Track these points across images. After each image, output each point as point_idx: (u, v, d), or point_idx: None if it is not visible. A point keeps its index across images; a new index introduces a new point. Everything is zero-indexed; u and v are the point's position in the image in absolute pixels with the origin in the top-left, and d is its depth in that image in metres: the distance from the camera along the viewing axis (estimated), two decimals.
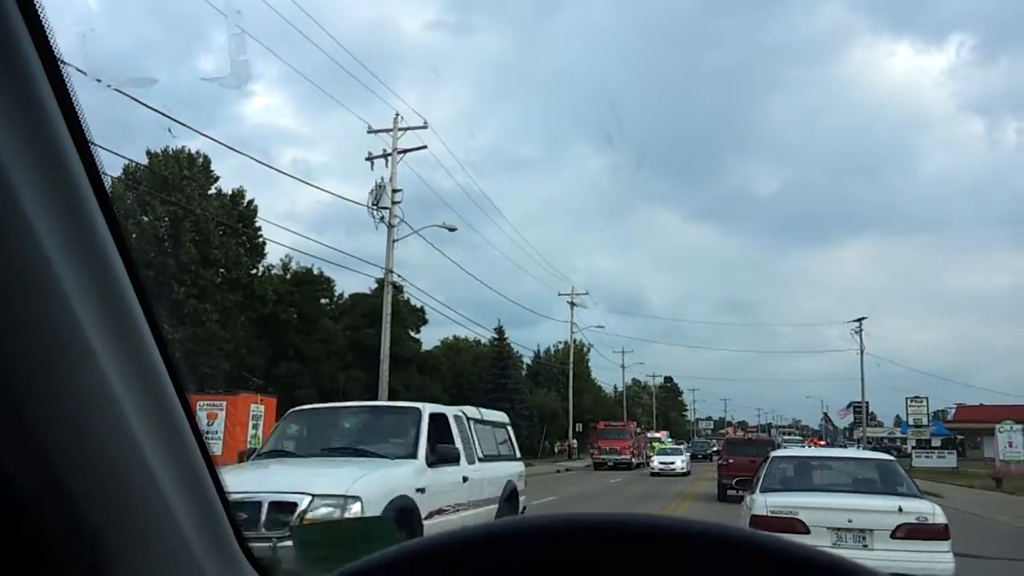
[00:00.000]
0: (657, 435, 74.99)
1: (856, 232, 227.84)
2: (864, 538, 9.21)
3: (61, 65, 0.96)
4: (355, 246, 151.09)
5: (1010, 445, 46.05)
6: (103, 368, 1.04)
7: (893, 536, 9.07)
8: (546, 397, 77.41)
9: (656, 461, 46.61)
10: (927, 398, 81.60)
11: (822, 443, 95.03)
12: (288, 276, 52.50)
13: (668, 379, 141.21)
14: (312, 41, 62.92)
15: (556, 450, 72.63)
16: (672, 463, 45.93)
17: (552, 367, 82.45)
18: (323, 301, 54.63)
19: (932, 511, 9.24)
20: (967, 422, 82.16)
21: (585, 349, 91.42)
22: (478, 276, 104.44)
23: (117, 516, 1.10)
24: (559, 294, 68.80)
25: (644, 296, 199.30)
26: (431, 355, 60.92)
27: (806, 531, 9.09)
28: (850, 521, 9.27)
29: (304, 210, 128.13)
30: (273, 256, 52.22)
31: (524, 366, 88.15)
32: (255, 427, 27.24)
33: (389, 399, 57.53)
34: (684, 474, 44.78)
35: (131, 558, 1.12)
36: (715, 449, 73.66)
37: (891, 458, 12.84)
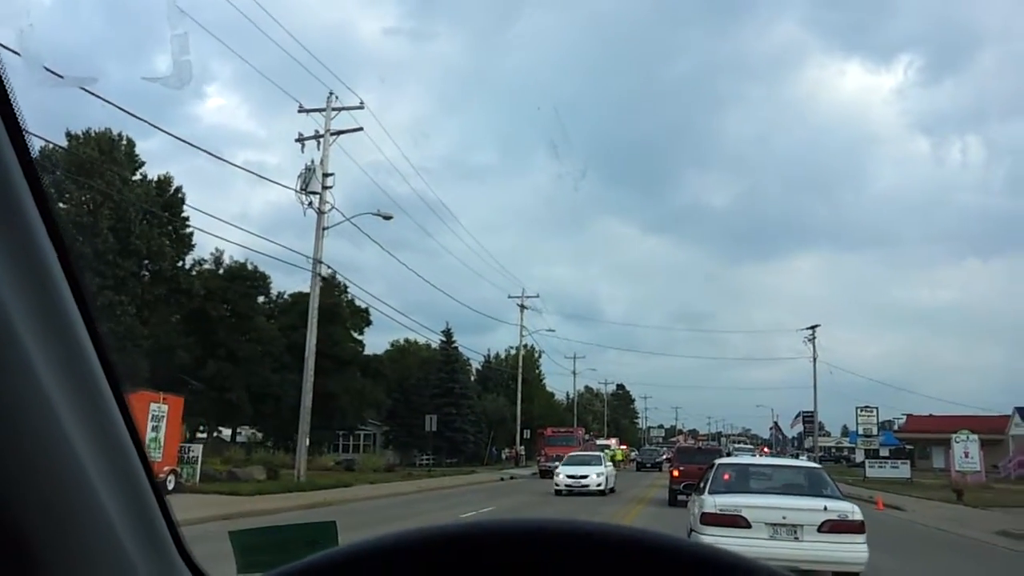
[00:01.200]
0: (607, 442, 72.23)
1: (807, 246, 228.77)
2: (795, 532, 10.58)
3: None
4: (306, 247, 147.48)
5: (966, 455, 44.21)
6: (35, 366, 1.01)
7: (819, 530, 10.46)
8: (495, 402, 74.62)
9: (562, 474, 32.94)
10: (877, 408, 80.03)
11: (770, 452, 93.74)
12: (220, 271, 49.05)
13: (620, 387, 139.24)
14: (270, 39, 59.67)
15: (504, 457, 69.78)
16: (584, 477, 32.51)
17: (503, 372, 79.69)
18: (259, 299, 51.20)
19: (851, 510, 10.71)
20: (917, 432, 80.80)
21: (536, 355, 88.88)
22: (431, 281, 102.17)
23: (46, 516, 1.07)
24: (509, 297, 66.10)
25: (599, 305, 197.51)
26: (375, 358, 57.70)
27: (748, 525, 10.58)
28: (784, 518, 10.63)
29: (257, 212, 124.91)
30: (204, 249, 48.86)
31: (474, 371, 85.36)
32: (155, 429, 23.98)
33: (327, 403, 54.34)
34: (602, 493, 32.26)
35: (60, 560, 1.09)
36: (666, 457, 71.37)
37: (819, 466, 14.45)
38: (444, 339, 66.22)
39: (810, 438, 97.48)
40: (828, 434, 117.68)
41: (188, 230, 41.85)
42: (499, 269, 76.03)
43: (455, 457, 67.70)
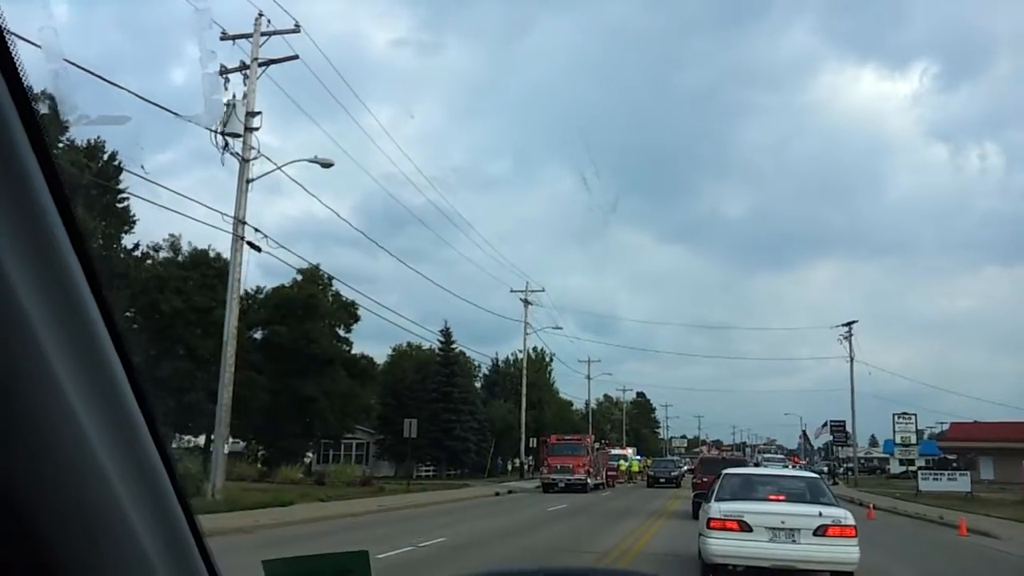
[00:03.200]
0: (621, 452, 64.84)
1: (824, 254, 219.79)
2: (793, 535, 11.18)
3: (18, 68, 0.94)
4: (325, 261, 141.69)
5: None
6: (59, 377, 0.98)
7: (815, 534, 11.11)
8: (502, 409, 67.46)
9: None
10: (915, 414, 72.05)
11: (802, 462, 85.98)
12: (179, 258, 42.47)
13: (640, 395, 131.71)
14: (289, 45, 53.22)
15: (508, 468, 62.58)
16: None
17: (510, 377, 72.56)
18: (220, 288, 44.38)
19: (844, 516, 11.45)
20: (961, 440, 72.55)
21: (548, 359, 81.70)
22: (434, 280, 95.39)
23: (71, 525, 1.02)
24: (512, 291, 58.86)
25: (618, 316, 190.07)
26: (363, 359, 50.78)
27: (749, 529, 11.29)
28: (783, 522, 11.27)
29: (272, 223, 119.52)
30: (157, 234, 42.26)
31: (481, 376, 78.29)
32: None
33: (303, 408, 47.37)
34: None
35: (84, 569, 1.04)
36: (687, 468, 63.87)
37: (817, 476, 15.48)
38: (442, 340, 59.25)
39: (839, 448, 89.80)
40: (851, 444, 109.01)
41: (124, 202, 35.28)
42: (506, 266, 68.60)
43: (456, 468, 60.64)
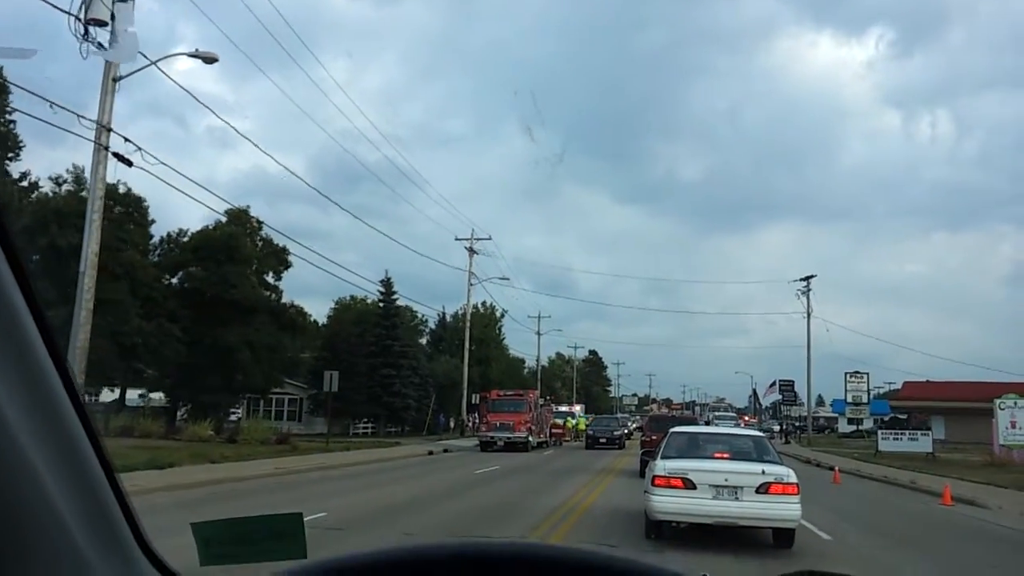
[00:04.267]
0: (568, 409, 61.36)
1: (777, 218, 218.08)
2: (736, 493, 11.00)
3: None
4: (278, 218, 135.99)
5: (1012, 426, 33.73)
6: None
7: (757, 491, 10.96)
8: (447, 364, 63.64)
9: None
10: (868, 373, 69.85)
11: (753, 420, 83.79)
12: (83, 192, 37.55)
13: (592, 353, 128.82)
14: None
15: (451, 425, 58.84)
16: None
17: (457, 331, 68.58)
18: (131, 227, 39.64)
19: (787, 474, 11.28)
20: (915, 400, 70.43)
21: (499, 315, 77.86)
22: (377, 228, 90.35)
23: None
24: (456, 239, 54.55)
25: (573, 276, 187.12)
26: (291, 307, 46.37)
27: (693, 487, 11.12)
28: (726, 480, 11.08)
29: (225, 178, 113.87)
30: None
31: (427, 331, 74.30)
32: None
33: (224, 359, 42.79)
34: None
35: (8, 557, 1.03)
36: (636, 427, 60.68)
37: (762, 434, 15.23)
38: (383, 292, 54.94)
39: (788, 407, 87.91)
40: (800, 403, 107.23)
41: (10, 127, 30.41)
42: (462, 224, 63.63)
43: (397, 425, 56.81)
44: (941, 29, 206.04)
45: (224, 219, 41.72)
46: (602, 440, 42.39)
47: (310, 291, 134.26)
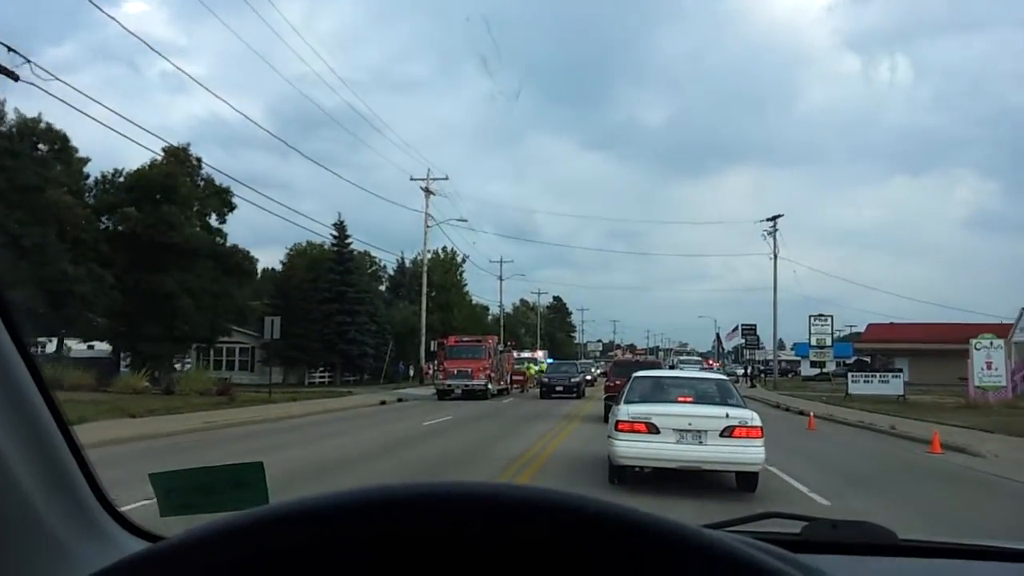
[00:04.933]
0: (532, 355, 59.43)
1: (738, 163, 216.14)
2: (700, 436, 10.86)
3: None
4: (237, 166, 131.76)
5: (988, 367, 32.28)
6: None
7: (721, 435, 10.81)
8: (406, 311, 61.33)
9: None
10: (832, 316, 68.59)
11: (717, 364, 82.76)
12: (3, 128, 34.34)
13: (557, 299, 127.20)
14: None
15: (411, 373, 56.70)
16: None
17: (418, 277, 66.06)
18: (58, 168, 36.49)
19: (751, 417, 11.07)
20: (878, 342, 69.65)
21: (460, 260, 75.41)
22: (356, 184, 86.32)
23: None
24: (412, 179, 51.62)
25: (536, 223, 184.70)
26: (237, 251, 43.56)
27: (657, 431, 10.93)
28: (690, 424, 10.90)
29: (179, 124, 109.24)
30: None
31: (386, 277, 71.79)
32: None
33: (162, 306, 39.76)
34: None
35: None
36: (599, 373, 59.06)
37: (725, 378, 14.65)
38: (335, 235, 52.21)
39: (751, 351, 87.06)
40: (762, 347, 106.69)
41: None
42: (422, 170, 60.01)
43: (354, 374, 54.58)
44: None
45: (160, 158, 38.72)
46: (558, 388, 38.44)
47: (268, 240, 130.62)
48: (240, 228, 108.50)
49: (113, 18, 71.74)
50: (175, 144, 40.52)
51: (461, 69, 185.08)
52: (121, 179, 40.44)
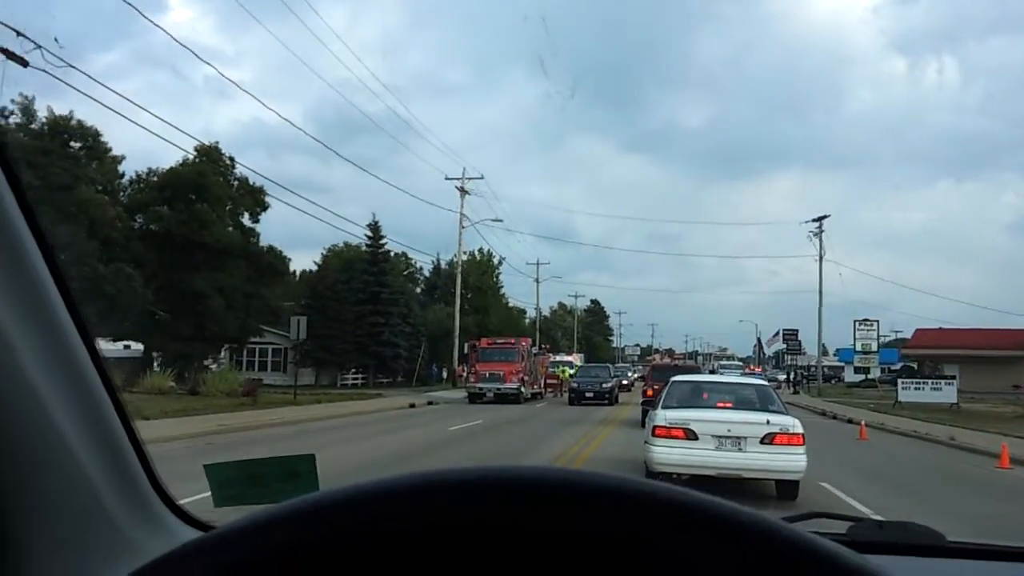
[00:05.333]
0: (567, 358, 57.92)
1: (781, 166, 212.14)
2: (739, 443, 10.39)
3: None
4: (278, 170, 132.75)
5: None
6: None
7: (762, 442, 10.34)
8: (440, 313, 60.31)
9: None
10: (877, 321, 66.41)
11: (757, 369, 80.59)
12: (32, 125, 33.92)
13: (594, 302, 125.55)
14: None
15: (444, 375, 55.67)
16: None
17: (454, 279, 65.04)
18: (93, 165, 36.03)
19: (792, 424, 10.62)
20: (926, 348, 67.05)
21: (496, 262, 74.34)
22: (373, 173, 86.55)
23: (12, 463, 1.03)
24: (447, 178, 50.52)
25: (575, 226, 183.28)
26: (270, 251, 42.85)
27: (695, 437, 10.49)
28: (729, 431, 10.47)
29: (222, 130, 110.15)
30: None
31: (421, 279, 70.98)
32: None
33: (193, 306, 39.10)
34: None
35: (29, 507, 1.05)
36: (637, 376, 57.51)
37: (766, 383, 13.87)
38: (370, 236, 51.37)
39: (793, 356, 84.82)
40: (804, 353, 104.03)
41: None
42: (453, 165, 58.68)
43: (387, 376, 53.68)
44: None
45: (192, 156, 38.14)
46: (588, 395, 34.52)
47: (306, 242, 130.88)
48: (278, 230, 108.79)
49: (161, 27, 72.01)
50: (207, 143, 40.03)
51: (502, 73, 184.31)
52: (155, 178, 40.00)
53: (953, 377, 35.84)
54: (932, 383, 35.98)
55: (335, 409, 26.68)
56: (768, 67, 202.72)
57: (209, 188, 38.30)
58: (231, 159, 41.99)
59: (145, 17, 26.93)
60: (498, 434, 20.30)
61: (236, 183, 42.22)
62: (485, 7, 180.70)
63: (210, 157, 40.22)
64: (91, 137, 35.66)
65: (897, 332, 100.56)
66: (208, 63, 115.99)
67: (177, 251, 37.44)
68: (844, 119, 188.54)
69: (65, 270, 1.09)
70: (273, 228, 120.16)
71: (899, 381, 36.95)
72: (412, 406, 31.39)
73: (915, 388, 36.00)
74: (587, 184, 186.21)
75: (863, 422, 22.96)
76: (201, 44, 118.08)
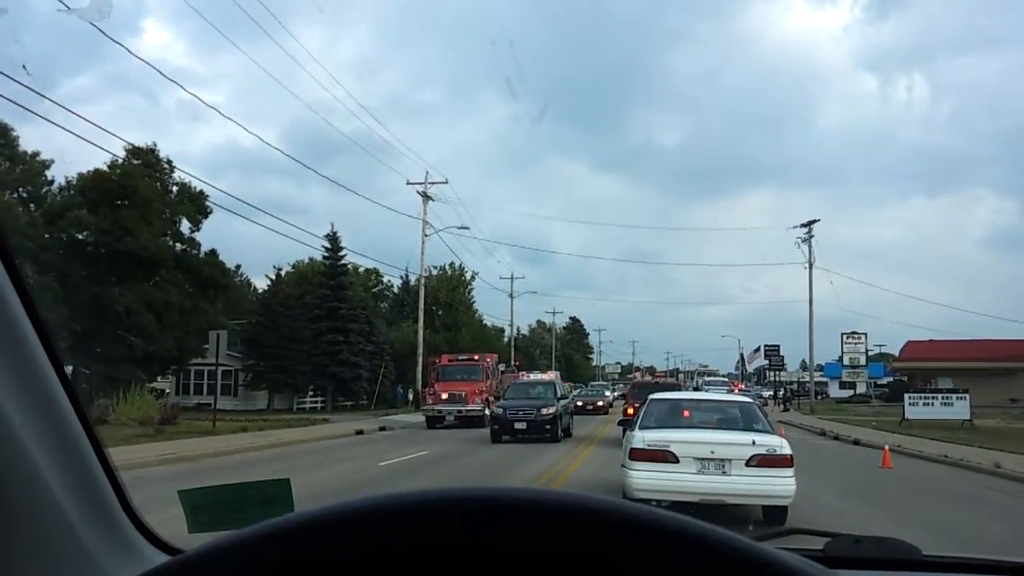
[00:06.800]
0: (541, 376, 53.55)
1: (756, 183, 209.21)
2: (723, 466, 9.53)
3: None
4: (256, 193, 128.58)
5: None
6: None
7: (747, 464, 9.46)
8: (408, 331, 55.96)
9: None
10: (865, 334, 62.65)
11: (741, 386, 76.75)
12: None
13: (574, 319, 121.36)
14: None
15: (411, 397, 51.23)
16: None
17: (426, 294, 60.75)
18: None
19: (780, 444, 9.73)
20: (918, 360, 63.40)
21: (469, 276, 70.22)
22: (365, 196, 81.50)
23: None
24: (408, 183, 45.96)
25: (553, 245, 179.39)
26: (209, 261, 38.46)
27: (676, 460, 9.60)
28: (712, 452, 9.59)
29: (198, 152, 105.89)
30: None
31: (391, 296, 66.80)
32: None
33: (119, 322, 34.08)
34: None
35: (7, 550, 1.04)
36: (619, 395, 53.45)
37: (750, 400, 12.79)
38: (327, 247, 47.03)
39: (775, 372, 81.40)
40: (785, 368, 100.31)
41: None
42: (439, 195, 53.28)
43: (349, 398, 49.18)
44: None
45: (121, 158, 33.86)
46: (519, 426, 23.01)
47: (278, 261, 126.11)
48: (237, 246, 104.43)
49: (131, 50, 67.82)
50: (143, 146, 35.81)
51: (475, 94, 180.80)
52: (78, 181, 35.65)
53: (966, 391, 31.92)
54: (942, 398, 32.01)
55: (261, 439, 22.30)
56: (742, 86, 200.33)
57: (138, 192, 33.92)
58: (169, 163, 37.76)
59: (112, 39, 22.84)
60: (439, 470, 16.10)
61: (175, 188, 37.97)
62: (458, 30, 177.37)
63: (145, 160, 36.02)
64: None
65: (880, 346, 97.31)
66: (188, 91, 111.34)
67: (100, 262, 33.06)
68: (818, 136, 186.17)
69: (34, 294, 1.07)
70: (240, 247, 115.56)
71: (906, 396, 32.94)
72: (359, 433, 27.04)
73: (924, 404, 32.00)
74: (565, 202, 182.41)
75: (886, 447, 18.85)
76: (171, 66, 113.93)
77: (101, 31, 17.07)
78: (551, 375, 58.08)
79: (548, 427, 23.11)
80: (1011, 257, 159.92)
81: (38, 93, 23.63)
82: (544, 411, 23.51)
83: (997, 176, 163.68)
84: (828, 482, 14.83)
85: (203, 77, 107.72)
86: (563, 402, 25.71)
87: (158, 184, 36.72)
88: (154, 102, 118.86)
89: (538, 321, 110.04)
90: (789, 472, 9.54)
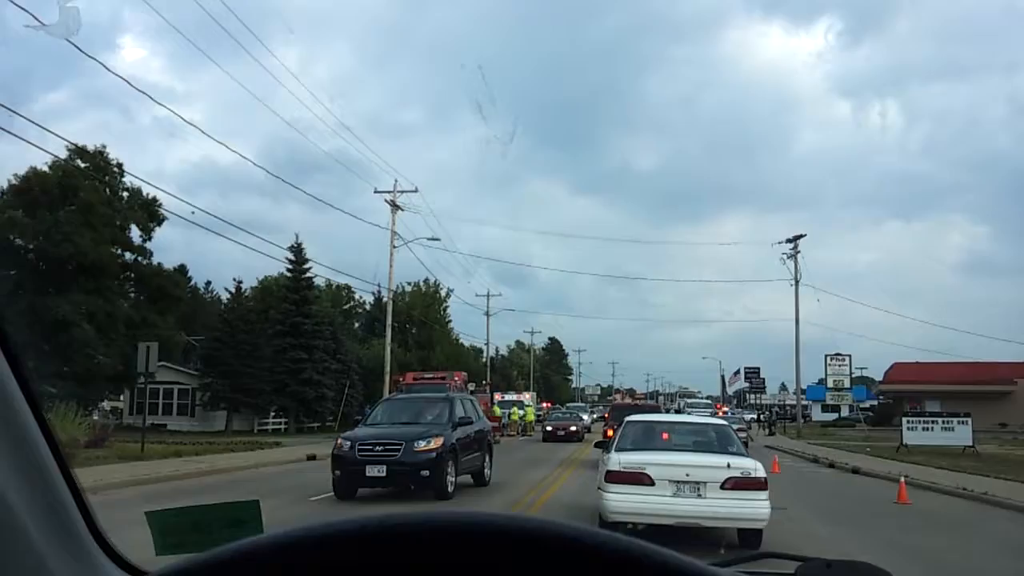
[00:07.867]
0: (517, 397, 50.81)
1: (732, 207, 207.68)
2: (698, 489, 9.45)
3: None
4: (232, 210, 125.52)
5: None
6: None
7: (722, 487, 9.38)
8: (378, 348, 53.16)
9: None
10: (850, 355, 60.39)
11: (725, 408, 74.48)
12: None
13: (553, 340, 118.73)
14: None
15: None
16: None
17: (397, 312, 58.08)
18: None
19: (755, 467, 9.66)
20: (904, 383, 61.28)
21: (444, 293, 67.53)
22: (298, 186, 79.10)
23: None
24: (376, 191, 43.15)
25: (532, 268, 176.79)
26: (160, 272, 35.63)
27: (651, 483, 9.48)
28: (688, 475, 9.52)
29: (174, 170, 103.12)
30: None
31: (362, 312, 64.09)
32: None
33: (57, 334, 30.68)
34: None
35: None
36: (597, 418, 50.94)
37: (725, 423, 12.98)
38: (291, 259, 44.25)
39: (755, 394, 79.51)
40: (763, 391, 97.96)
41: None
42: (417, 214, 50.40)
43: (314, 419, 46.26)
44: (886, 19, 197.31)
45: (63, 158, 31.11)
46: (372, 471, 14.28)
47: (250, 278, 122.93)
48: (210, 263, 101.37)
49: (109, 68, 65.09)
50: (91, 147, 33.07)
51: (452, 116, 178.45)
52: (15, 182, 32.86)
53: (967, 415, 29.58)
54: (943, 422, 29.65)
55: (186, 466, 19.50)
56: (717, 111, 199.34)
57: (79, 194, 31.16)
58: (119, 166, 35.05)
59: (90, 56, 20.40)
60: (378, 504, 13.42)
61: (125, 193, 35.24)
62: (433, 53, 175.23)
63: (93, 163, 33.30)
64: None
65: (862, 369, 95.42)
66: (165, 106, 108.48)
67: (35, 268, 30.24)
68: (794, 161, 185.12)
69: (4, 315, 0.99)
70: (212, 264, 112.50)
71: (904, 420, 30.54)
72: (311, 458, 24.18)
73: (923, 428, 29.62)
74: (544, 224, 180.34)
75: (902, 479, 16.36)
76: (148, 83, 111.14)
77: (76, 46, 15.46)
78: (526, 396, 55.70)
79: (426, 473, 14.23)
80: (982, 282, 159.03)
81: None
82: (419, 445, 14.39)
83: (970, 201, 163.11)
84: (843, 523, 12.38)
85: (180, 95, 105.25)
86: (465, 429, 16.03)
87: (106, 188, 34.04)
88: (129, 118, 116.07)
89: (517, 342, 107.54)
90: (763, 495, 9.44)
